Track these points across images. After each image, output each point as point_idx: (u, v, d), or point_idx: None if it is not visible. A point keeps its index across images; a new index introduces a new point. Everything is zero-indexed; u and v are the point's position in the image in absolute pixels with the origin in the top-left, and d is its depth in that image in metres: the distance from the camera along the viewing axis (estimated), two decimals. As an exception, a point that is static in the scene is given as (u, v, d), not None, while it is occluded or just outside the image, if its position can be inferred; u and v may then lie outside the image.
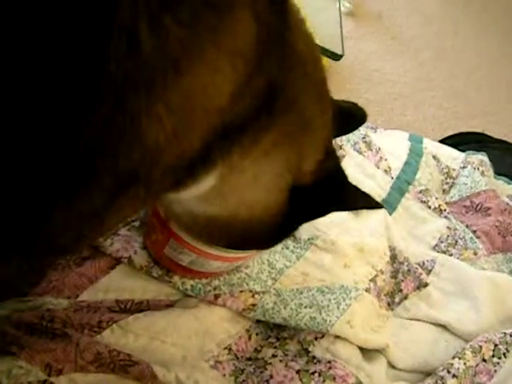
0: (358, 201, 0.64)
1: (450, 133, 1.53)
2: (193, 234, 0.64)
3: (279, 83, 0.42)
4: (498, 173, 1.26)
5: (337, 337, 0.79)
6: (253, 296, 0.78)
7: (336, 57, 1.50)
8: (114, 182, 0.34)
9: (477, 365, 0.82)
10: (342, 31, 1.55)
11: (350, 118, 0.70)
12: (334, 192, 0.59)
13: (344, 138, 1.05)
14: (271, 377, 0.72)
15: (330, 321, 0.78)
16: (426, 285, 0.93)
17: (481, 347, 0.84)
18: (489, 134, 1.58)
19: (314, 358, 0.77)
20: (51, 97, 0.29)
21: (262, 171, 0.50)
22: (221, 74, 0.35)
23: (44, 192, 0.32)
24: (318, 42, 1.47)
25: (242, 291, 0.78)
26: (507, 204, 1.14)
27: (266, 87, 0.40)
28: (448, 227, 1.05)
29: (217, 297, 0.76)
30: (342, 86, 1.58)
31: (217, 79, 0.35)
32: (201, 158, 0.40)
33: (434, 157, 1.16)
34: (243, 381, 0.72)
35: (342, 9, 1.72)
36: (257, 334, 0.79)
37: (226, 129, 0.40)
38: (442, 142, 1.39)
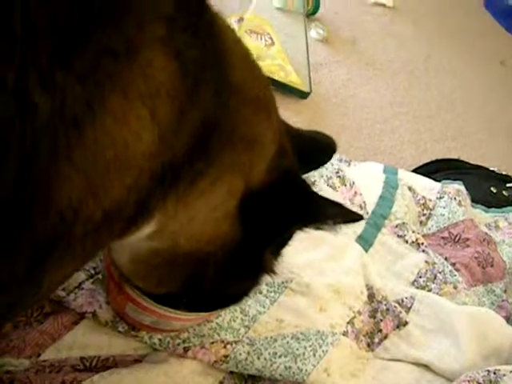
0: (327, 211, 0.51)
1: (428, 156, 1.52)
2: (141, 281, 0.59)
3: (215, 116, 0.40)
4: (475, 200, 1.25)
5: (314, 386, 0.76)
6: (225, 347, 0.75)
7: (303, 95, 1.48)
8: (34, 246, 0.32)
9: (461, 406, 0.80)
10: (309, 70, 1.53)
11: (320, 150, 0.64)
12: (294, 201, 0.50)
13: (317, 173, 1.03)
14: (246, 433, 0.69)
15: (306, 370, 0.75)
16: (405, 323, 0.90)
17: (465, 388, 0.81)
18: (465, 156, 1.57)
19: (290, 410, 0.73)
20: None
21: (203, 207, 0.46)
22: (136, 121, 0.33)
23: None
24: (286, 80, 1.41)
25: (213, 342, 0.74)
26: (485, 234, 1.12)
27: (201, 123, 0.38)
28: (426, 261, 1.02)
29: (187, 349, 0.73)
30: (318, 113, 1.57)
31: (131, 127, 0.33)
32: (139, 205, 0.38)
33: (409, 188, 1.14)
34: None
35: (316, 36, 1.73)
36: (231, 386, 0.76)
37: (164, 172, 0.38)
38: (417, 169, 1.38)
